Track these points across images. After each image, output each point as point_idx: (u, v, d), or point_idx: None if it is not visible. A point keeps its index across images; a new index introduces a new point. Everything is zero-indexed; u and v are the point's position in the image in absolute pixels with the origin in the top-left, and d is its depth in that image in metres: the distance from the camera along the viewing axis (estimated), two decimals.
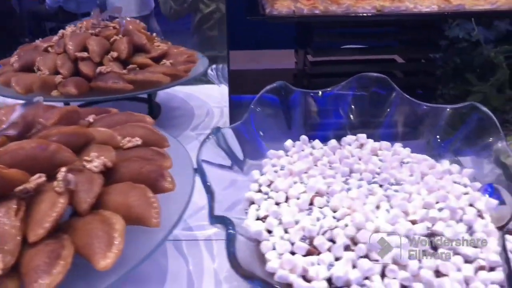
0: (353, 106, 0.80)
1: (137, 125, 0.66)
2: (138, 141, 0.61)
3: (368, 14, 0.81)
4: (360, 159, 0.71)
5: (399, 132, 0.78)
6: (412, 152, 0.73)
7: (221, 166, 0.65)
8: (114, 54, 0.95)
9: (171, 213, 0.52)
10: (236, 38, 1.13)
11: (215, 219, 0.52)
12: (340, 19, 0.82)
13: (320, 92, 0.80)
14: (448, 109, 0.74)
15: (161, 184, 0.54)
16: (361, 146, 0.75)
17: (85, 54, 0.94)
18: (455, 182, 0.66)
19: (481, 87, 0.95)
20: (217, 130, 0.66)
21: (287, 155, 0.74)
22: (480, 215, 0.59)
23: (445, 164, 0.70)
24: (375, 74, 0.79)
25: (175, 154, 0.63)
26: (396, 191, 0.63)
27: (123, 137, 0.62)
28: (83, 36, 0.97)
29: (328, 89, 0.80)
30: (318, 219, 0.57)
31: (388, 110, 0.78)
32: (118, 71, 0.91)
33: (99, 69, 0.90)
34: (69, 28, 1.07)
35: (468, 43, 1.11)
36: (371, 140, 0.76)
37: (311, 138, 0.77)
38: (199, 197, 0.58)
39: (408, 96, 0.77)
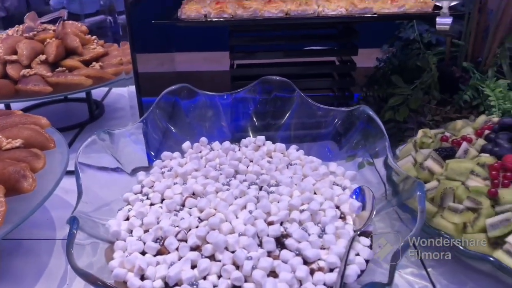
0: (257, 108, 0.81)
1: (26, 127, 0.68)
2: (17, 142, 0.63)
3: (274, 18, 0.82)
4: (251, 161, 0.72)
5: (300, 134, 0.78)
6: (328, 152, 0.74)
7: (104, 168, 0.67)
8: (43, 57, 0.98)
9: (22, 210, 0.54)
10: (170, 39, 1.15)
11: (69, 219, 0.54)
12: (246, 23, 0.83)
13: (225, 96, 0.81)
14: (342, 112, 0.74)
15: (20, 185, 0.56)
16: (258, 148, 0.76)
17: (13, 57, 0.96)
18: (336, 184, 0.67)
19: (403, 89, 0.95)
20: (99, 133, 0.67)
21: (183, 157, 0.75)
22: (343, 217, 0.60)
23: (331, 166, 0.70)
24: (278, 78, 0.79)
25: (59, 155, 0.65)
26: (271, 192, 0.64)
27: (6, 138, 0.64)
28: (15, 40, 1.00)
29: (234, 92, 0.81)
30: (182, 219, 0.58)
31: (289, 112, 0.79)
32: (43, 74, 0.94)
33: (22, 72, 0.93)
34: (10, 32, 1.10)
35: (421, 45, 1.11)
36: (268, 142, 0.76)
37: (217, 139, 0.78)
38: None
39: (308, 99, 0.78)
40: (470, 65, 0.95)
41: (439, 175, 0.62)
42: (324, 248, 0.54)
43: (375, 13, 0.83)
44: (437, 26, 0.76)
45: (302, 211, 0.59)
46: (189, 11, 0.83)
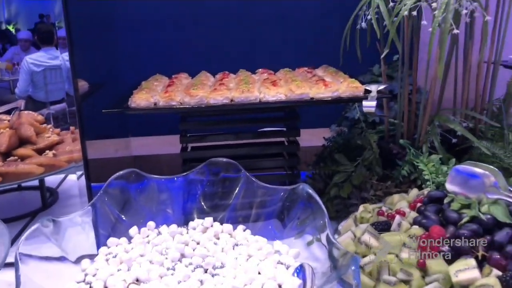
0: (205, 190, 0.83)
1: None
2: None
3: (219, 104, 0.88)
4: (198, 243, 0.73)
5: (247, 213, 0.81)
6: (273, 231, 0.76)
7: (47, 258, 0.66)
8: None
9: None
10: (125, 125, 1.19)
11: None
12: (194, 109, 0.88)
13: (174, 178, 0.84)
14: (285, 190, 0.77)
15: None
16: (206, 229, 0.77)
17: None
18: (280, 263, 0.68)
19: (347, 166, 1.00)
20: (43, 221, 0.67)
21: (130, 242, 0.75)
22: None
23: (276, 244, 0.72)
24: (224, 159, 0.83)
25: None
26: (216, 274, 0.64)
27: None
28: None
29: (182, 174, 0.84)
30: None
31: (236, 192, 0.82)
32: None
33: None
34: None
35: (363, 124, 1.19)
36: (216, 223, 0.78)
37: (166, 222, 0.79)
38: None
39: (253, 179, 0.81)
40: (406, 142, 1.02)
41: (376, 249, 0.64)
42: None
43: (312, 98, 0.90)
44: (363, 108, 0.83)
45: None
46: (138, 100, 0.88)
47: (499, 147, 0.96)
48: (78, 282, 0.65)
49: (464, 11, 0.88)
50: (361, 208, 0.79)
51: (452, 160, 0.94)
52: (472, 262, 0.55)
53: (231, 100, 0.89)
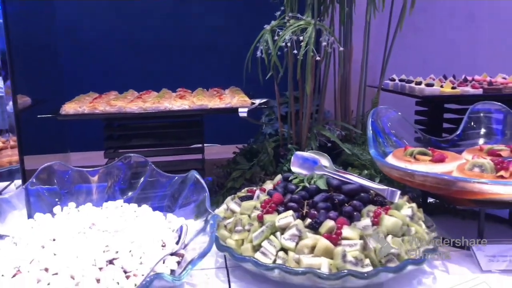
0: (118, 178, 1.04)
1: None
2: None
3: (134, 112, 1.10)
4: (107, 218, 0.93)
5: (151, 195, 1.02)
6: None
7: None
8: None
9: None
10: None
11: None
12: (112, 116, 1.10)
13: (96, 169, 1.05)
14: (179, 177, 1.00)
15: None
16: (116, 208, 0.98)
17: None
18: (168, 228, 0.90)
19: (243, 165, 1.24)
20: None
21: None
22: (164, 245, 0.82)
23: (169, 216, 0.94)
24: (136, 155, 1.05)
25: None
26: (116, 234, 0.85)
27: None
28: None
29: (101, 166, 1.05)
30: None
31: (142, 179, 1.03)
32: None
33: None
34: None
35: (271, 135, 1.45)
36: (125, 204, 0.99)
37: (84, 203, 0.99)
38: None
39: (158, 170, 1.03)
40: (292, 146, 1.27)
41: (237, 213, 0.88)
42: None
43: (210, 108, 1.14)
44: (239, 114, 1.07)
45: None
46: (68, 108, 1.09)
47: (358, 149, 1.23)
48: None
49: (324, 43, 1.16)
50: (242, 191, 1.02)
51: None
52: (289, 213, 0.79)
53: (144, 110, 1.12)
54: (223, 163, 1.33)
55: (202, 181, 0.95)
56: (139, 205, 0.99)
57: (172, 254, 0.79)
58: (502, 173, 0.88)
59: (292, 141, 1.34)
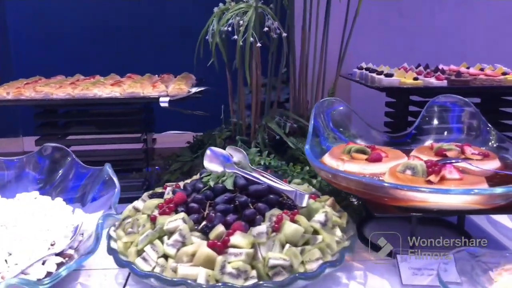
0: (36, 168, 0.99)
1: None
2: None
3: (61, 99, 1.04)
4: None
5: (67, 186, 0.97)
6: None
7: None
8: None
9: None
10: None
11: None
12: (38, 103, 1.04)
13: (14, 159, 1.00)
14: (95, 170, 0.94)
15: None
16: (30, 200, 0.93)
17: None
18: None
19: (186, 157, 1.18)
20: None
21: None
22: (53, 244, 0.76)
23: (77, 211, 0.89)
24: (53, 144, 0.99)
25: None
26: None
27: None
28: None
29: (20, 157, 1.00)
30: None
31: (61, 171, 0.98)
32: None
33: None
34: None
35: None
36: (40, 196, 0.94)
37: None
38: None
39: (76, 159, 0.97)
40: (240, 138, 1.20)
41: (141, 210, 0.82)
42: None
43: (143, 96, 1.07)
44: (160, 104, 1.00)
45: None
46: None
47: (302, 142, 1.14)
48: None
49: (266, 28, 1.08)
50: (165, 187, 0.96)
51: (265, 152, 1.12)
52: (181, 216, 0.72)
53: (73, 96, 1.06)
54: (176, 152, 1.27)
55: (114, 176, 0.88)
56: (54, 198, 0.94)
57: (57, 254, 0.73)
58: (431, 177, 0.78)
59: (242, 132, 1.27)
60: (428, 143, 1.07)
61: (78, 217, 0.87)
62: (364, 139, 1.09)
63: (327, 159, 0.96)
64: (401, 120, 1.28)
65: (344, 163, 0.91)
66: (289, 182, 0.94)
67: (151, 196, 0.85)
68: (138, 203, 0.84)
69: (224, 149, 1.23)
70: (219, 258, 0.64)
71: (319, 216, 0.76)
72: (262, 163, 1.10)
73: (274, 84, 1.78)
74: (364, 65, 1.44)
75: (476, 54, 1.67)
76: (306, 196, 0.75)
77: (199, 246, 0.66)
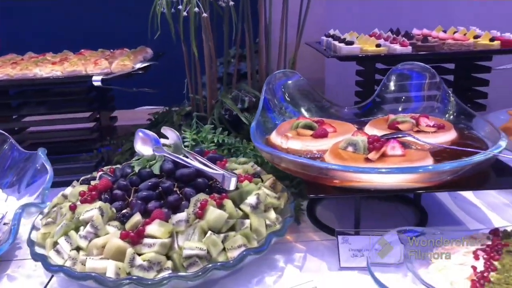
0: None
1: None
2: None
3: None
4: None
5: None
6: None
7: None
8: None
9: None
10: None
11: None
12: None
13: None
14: (30, 153, 0.90)
15: None
16: None
17: None
18: None
19: None
20: None
21: None
22: None
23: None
24: None
25: None
26: None
27: None
28: None
29: None
30: None
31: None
32: None
33: None
34: None
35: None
36: None
37: None
38: None
39: (17, 145, 0.93)
40: (197, 114, 1.15)
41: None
42: None
43: (85, 74, 1.01)
44: (93, 83, 0.94)
45: None
46: None
47: None
48: None
49: None
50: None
51: (219, 129, 1.07)
52: (97, 204, 0.68)
53: (11, 77, 1.01)
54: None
55: (46, 161, 0.85)
56: None
57: None
58: (370, 155, 0.73)
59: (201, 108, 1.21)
60: (389, 114, 1.01)
61: (8, 206, 0.83)
62: (321, 113, 1.03)
63: (273, 136, 0.91)
64: (368, 89, 1.22)
65: (288, 140, 0.86)
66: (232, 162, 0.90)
67: (82, 182, 0.81)
68: (67, 190, 0.80)
69: (180, 126, 1.19)
70: (129, 250, 0.60)
71: (251, 199, 0.72)
72: (216, 140, 1.05)
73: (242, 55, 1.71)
74: (332, 31, 1.36)
75: (461, 15, 1.57)
76: (233, 179, 0.70)
77: (110, 237, 0.62)
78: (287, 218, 0.73)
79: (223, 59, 1.35)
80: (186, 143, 1.04)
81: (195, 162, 0.75)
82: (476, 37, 1.15)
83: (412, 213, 0.89)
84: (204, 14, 1.01)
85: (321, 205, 0.93)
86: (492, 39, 1.10)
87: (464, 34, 1.20)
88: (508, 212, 0.88)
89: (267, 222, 0.71)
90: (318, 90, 1.16)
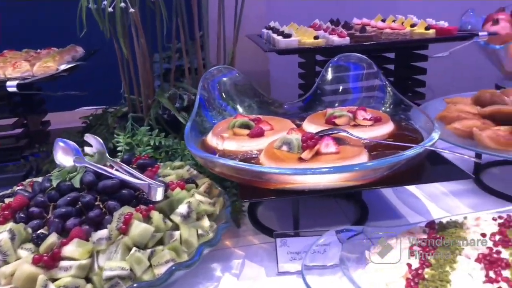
0: None
1: None
2: None
3: None
4: None
5: None
6: None
7: None
8: None
9: None
10: None
11: None
12: None
13: None
14: None
15: None
16: None
17: None
18: None
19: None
20: None
21: None
22: None
23: None
24: None
25: None
26: None
27: None
28: None
29: None
30: None
31: None
32: None
33: None
34: None
35: None
36: None
37: None
38: None
39: None
40: (133, 115, 1.09)
41: None
42: None
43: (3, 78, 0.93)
44: (7, 89, 0.87)
45: None
46: None
47: None
48: None
49: None
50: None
51: (155, 131, 1.02)
52: (7, 226, 0.62)
53: None
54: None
55: None
56: None
57: None
58: (303, 154, 0.71)
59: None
60: (327, 108, 0.99)
61: None
62: (262, 110, 1.00)
63: (210, 137, 0.87)
64: (309, 82, 1.19)
65: (223, 141, 0.82)
66: (166, 167, 0.85)
67: (0, 198, 0.74)
68: None
69: (114, 129, 1.13)
70: (40, 277, 0.55)
71: (182, 208, 0.68)
72: (152, 143, 1.00)
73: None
74: (272, 23, 1.33)
75: (403, 2, 1.57)
76: (159, 190, 0.66)
77: (20, 264, 0.57)
78: (221, 225, 0.69)
79: (166, 54, 1.30)
80: (119, 148, 0.98)
81: (120, 172, 0.70)
82: (413, 25, 1.15)
83: (353, 208, 0.87)
84: (132, 10, 0.94)
85: (263, 205, 0.90)
86: (427, 28, 1.10)
87: (402, 23, 1.20)
88: (446, 201, 0.89)
89: (200, 231, 0.67)
90: (263, 84, 1.13)
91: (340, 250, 0.67)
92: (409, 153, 0.66)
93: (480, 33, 1.06)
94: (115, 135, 1.01)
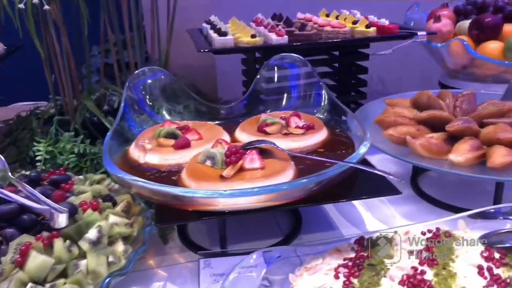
0: None
1: None
2: None
3: None
4: None
5: None
6: None
7: None
8: None
9: None
10: None
11: None
12: None
13: None
14: None
15: None
16: None
17: None
18: None
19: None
20: None
21: None
22: None
23: None
24: None
25: None
26: None
27: None
28: None
29: None
30: None
31: None
32: None
33: None
34: None
35: None
36: None
37: None
38: None
39: None
40: (59, 118, 1.01)
41: None
42: None
43: None
44: None
45: None
46: None
47: None
48: None
49: None
50: None
51: (80, 137, 0.94)
52: None
53: None
54: None
55: None
56: None
57: None
58: (226, 171, 0.66)
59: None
60: (261, 114, 0.93)
61: None
62: (195, 115, 0.94)
63: (132, 148, 0.81)
64: (251, 82, 1.14)
65: (145, 154, 0.76)
66: (86, 180, 0.79)
67: None
68: None
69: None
70: None
71: (91, 233, 0.62)
72: (76, 150, 0.93)
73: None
74: (212, 17, 1.26)
75: None
76: (62, 216, 0.60)
77: None
78: (136, 250, 0.64)
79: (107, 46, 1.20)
80: (38, 157, 0.91)
81: (19, 195, 0.63)
82: (355, 22, 1.11)
83: (287, 219, 0.84)
84: (46, 7, 0.86)
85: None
86: (368, 26, 1.07)
87: (345, 19, 1.16)
88: (382, 209, 0.87)
89: (111, 258, 0.62)
90: (210, 80, 1.07)
91: (264, 273, 0.63)
92: (330, 172, 0.62)
93: (419, 33, 1.04)
94: (34, 143, 0.93)
